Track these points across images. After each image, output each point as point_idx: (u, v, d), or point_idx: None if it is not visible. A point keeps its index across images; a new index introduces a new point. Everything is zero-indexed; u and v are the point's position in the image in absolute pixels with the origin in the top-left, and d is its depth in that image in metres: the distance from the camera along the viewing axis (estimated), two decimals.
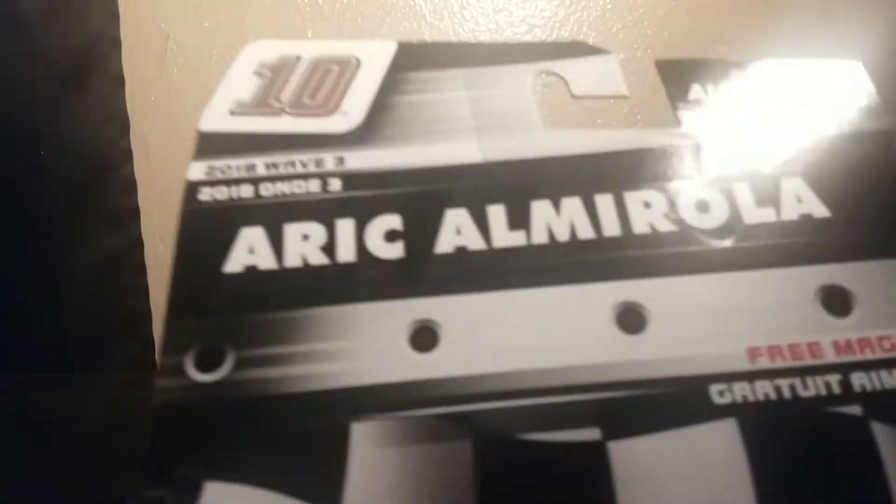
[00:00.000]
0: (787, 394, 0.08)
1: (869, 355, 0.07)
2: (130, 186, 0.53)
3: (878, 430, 0.07)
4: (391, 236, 0.08)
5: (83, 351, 0.49)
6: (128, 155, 0.54)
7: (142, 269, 0.53)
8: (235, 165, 0.09)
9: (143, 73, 0.57)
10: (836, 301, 0.08)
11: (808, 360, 0.08)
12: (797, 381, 0.08)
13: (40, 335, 0.47)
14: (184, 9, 0.57)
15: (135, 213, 0.53)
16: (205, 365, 0.07)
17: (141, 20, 0.56)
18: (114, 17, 0.51)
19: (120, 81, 0.53)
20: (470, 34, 0.60)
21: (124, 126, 0.53)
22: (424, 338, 0.08)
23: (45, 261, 0.47)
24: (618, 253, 0.08)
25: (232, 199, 0.08)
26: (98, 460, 0.27)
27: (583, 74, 0.10)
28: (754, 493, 0.07)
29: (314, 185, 0.08)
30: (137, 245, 0.53)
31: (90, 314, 0.48)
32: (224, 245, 0.08)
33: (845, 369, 0.08)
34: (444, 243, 0.08)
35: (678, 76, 0.10)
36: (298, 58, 0.10)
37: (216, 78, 0.55)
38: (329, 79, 0.10)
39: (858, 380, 0.08)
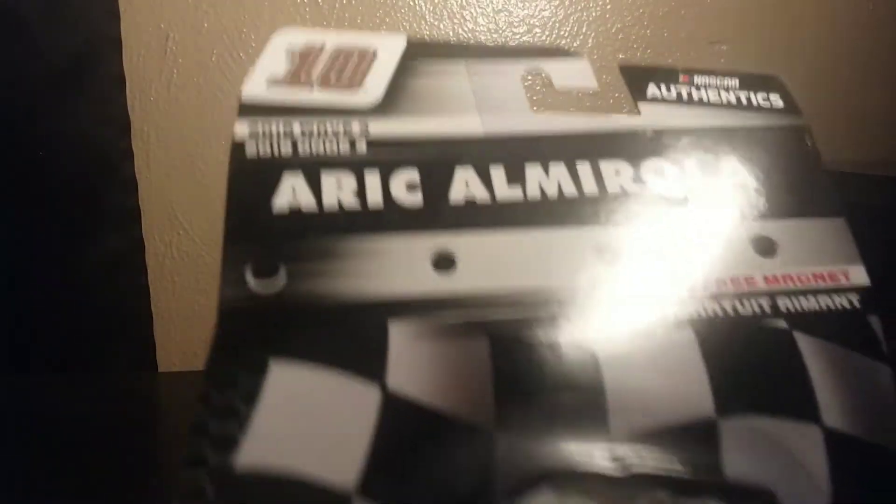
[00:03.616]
0: (730, 312, 0.11)
1: (790, 286, 0.11)
2: (130, 186, 0.53)
3: (798, 337, 0.11)
4: (411, 187, 0.12)
5: (83, 351, 0.50)
6: (128, 155, 0.54)
7: (143, 270, 0.53)
8: (275, 127, 0.12)
9: (143, 73, 0.57)
10: (765, 246, 0.12)
11: (745, 289, 0.11)
12: (737, 303, 0.11)
13: (41, 335, 0.47)
14: (184, 9, 0.57)
15: (135, 213, 0.53)
16: (261, 276, 0.10)
17: (141, 20, 0.56)
18: (114, 17, 0.51)
19: (120, 81, 0.53)
20: (469, 34, 0.60)
21: (124, 126, 0.53)
22: (444, 263, 0.11)
23: (45, 261, 0.47)
24: (595, 206, 0.12)
25: (274, 154, 0.11)
26: (98, 459, 0.27)
27: (562, 72, 0.13)
28: (709, 380, 0.10)
29: (344, 146, 0.12)
30: (138, 245, 0.53)
31: (91, 314, 0.48)
32: (270, 188, 0.11)
33: (773, 295, 0.11)
34: (456, 193, 0.12)
35: (638, 78, 0.13)
36: (323, 45, 0.13)
37: (216, 78, 0.55)
38: (351, 63, 0.13)
39: (783, 303, 0.11)
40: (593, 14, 0.58)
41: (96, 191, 0.49)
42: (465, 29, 0.58)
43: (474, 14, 0.58)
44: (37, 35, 0.45)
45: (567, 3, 0.58)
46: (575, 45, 0.58)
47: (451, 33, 0.58)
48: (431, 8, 0.57)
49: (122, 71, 0.52)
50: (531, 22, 0.58)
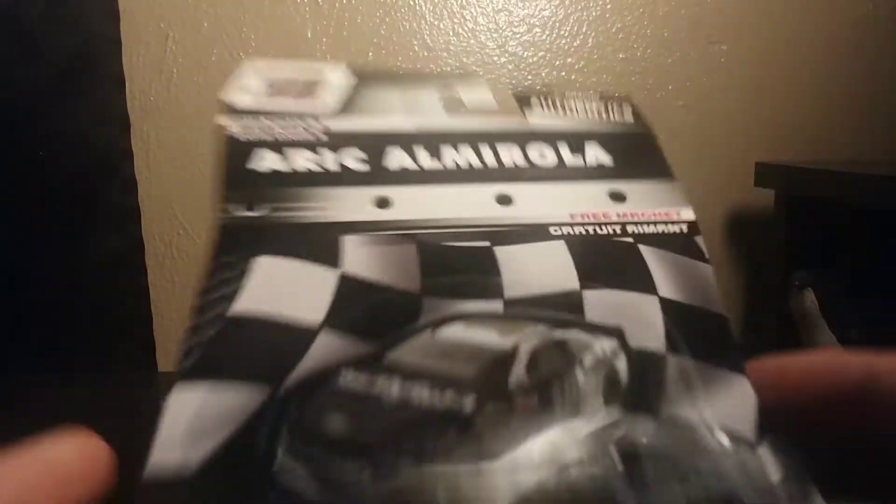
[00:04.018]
0: (591, 231, 0.16)
1: (635, 219, 0.16)
2: (130, 186, 0.53)
3: (641, 247, 0.15)
4: (358, 161, 0.16)
5: (83, 351, 0.50)
6: (128, 155, 0.54)
7: (143, 270, 0.53)
8: (251, 121, 0.16)
9: (143, 73, 0.57)
10: (617, 196, 0.16)
11: (603, 220, 0.16)
12: (597, 227, 0.16)
13: (41, 335, 0.47)
14: (184, 9, 0.57)
15: (135, 213, 0.53)
16: (247, 210, 0.15)
17: (141, 20, 0.56)
18: (114, 17, 0.51)
19: (120, 81, 0.53)
20: (469, 33, 0.60)
21: (124, 126, 0.53)
22: (383, 203, 0.16)
23: (45, 261, 0.47)
24: (495, 172, 0.17)
25: (251, 137, 0.16)
26: None
27: (470, 94, 0.19)
28: (577, 274, 0.15)
29: (306, 135, 0.16)
30: (138, 245, 0.53)
31: (91, 314, 0.48)
32: (249, 158, 0.16)
33: (623, 224, 0.16)
34: (392, 163, 0.16)
35: (525, 97, 0.19)
36: (284, 70, 0.19)
37: (216, 77, 0.55)
38: (305, 83, 0.18)
39: (630, 228, 0.16)
40: (593, 14, 0.58)
41: (96, 191, 0.49)
42: (465, 28, 0.58)
43: (474, 14, 0.58)
44: (37, 35, 0.45)
45: (567, 2, 0.58)
46: (575, 44, 0.58)
47: (450, 32, 0.58)
48: (431, 7, 0.57)
49: (122, 71, 0.52)
50: (531, 21, 0.58)
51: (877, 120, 0.60)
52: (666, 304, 0.15)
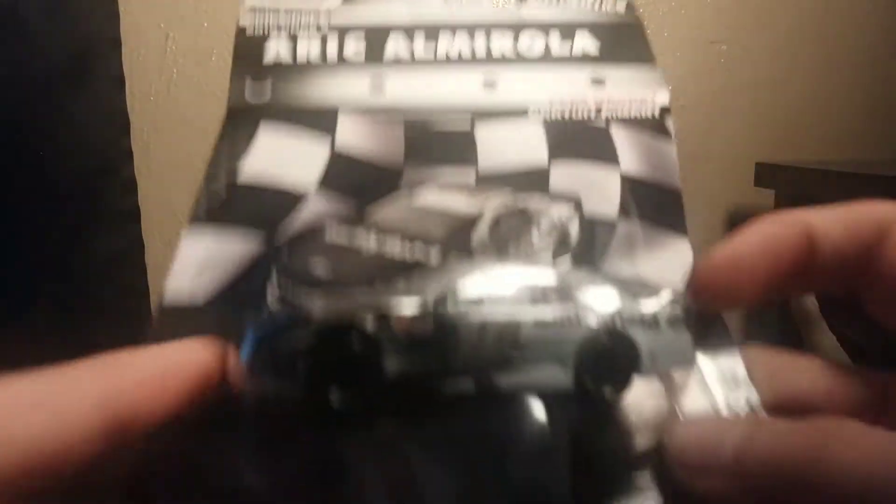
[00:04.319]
0: (566, 116, 0.17)
1: (611, 104, 0.17)
2: (130, 186, 0.53)
3: (613, 129, 0.16)
4: (359, 48, 0.17)
5: (83, 351, 0.49)
6: (128, 155, 0.54)
7: (142, 270, 0.53)
8: (268, 15, 0.18)
9: (143, 73, 0.57)
10: (598, 81, 0.17)
11: (580, 106, 0.17)
12: (574, 111, 0.17)
13: (41, 335, 0.47)
14: (184, 9, 0.57)
15: (135, 213, 0.53)
16: (255, 80, 0.17)
17: (141, 20, 0.56)
18: (114, 17, 0.51)
19: (120, 81, 0.53)
20: None
21: (124, 126, 0.53)
22: (377, 85, 0.17)
23: (45, 261, 0.47)
24: (485, 58, 0.17)
25: (265, 30, 0.17)
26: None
27: None
28: (547, 147, 0.16)
29: (314, 20, 0.18)
30: (138, 245, 0.53)
31: (90, 314, 0.48)
32: (261, 46, 0.17)
33: (598, 109, 0.17)
34: (389, 52, 0.17)
35: None
36: None
37: (216, 78, 0.55)
38: None
39: (603, 112, 0.17)
40: None
41: (96, 191, 0.49)
42: None
43: None
44: (37, 35, 0.45)
45: None
46: None
47: None
48: None
49: (122, 71, 0.52)
50: None
51: (877, 120, 0.60)
52: (626, 176, 0.16)
